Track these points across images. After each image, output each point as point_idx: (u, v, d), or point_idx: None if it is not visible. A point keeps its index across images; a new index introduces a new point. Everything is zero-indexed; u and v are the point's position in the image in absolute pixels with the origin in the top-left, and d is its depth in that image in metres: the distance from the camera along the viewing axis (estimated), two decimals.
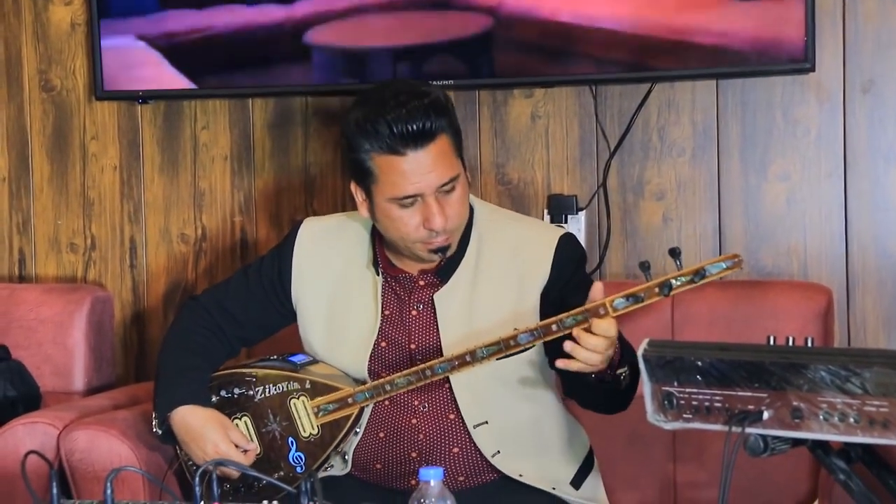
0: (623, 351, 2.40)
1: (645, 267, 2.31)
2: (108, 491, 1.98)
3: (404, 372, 2.48)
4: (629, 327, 2.83)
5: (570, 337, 2.32)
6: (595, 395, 2.49)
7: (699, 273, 2.29)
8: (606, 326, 2.29)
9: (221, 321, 2.67)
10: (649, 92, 3.14)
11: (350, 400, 2.53)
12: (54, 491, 1.98)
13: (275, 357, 2.66)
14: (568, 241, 2.57)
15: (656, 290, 2.30)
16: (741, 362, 1.91)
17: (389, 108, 2.42)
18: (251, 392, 2.60)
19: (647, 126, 3.20)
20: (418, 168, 2.42)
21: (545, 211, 3.24)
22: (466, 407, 2.52)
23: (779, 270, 3.15)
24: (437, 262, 2.53)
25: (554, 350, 2.41)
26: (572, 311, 2.34)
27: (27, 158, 3.56)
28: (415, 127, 2.40)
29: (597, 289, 2.33)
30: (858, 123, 3.10)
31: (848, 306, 3.11)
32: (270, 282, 2.66)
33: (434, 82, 3.14)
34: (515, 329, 2.40)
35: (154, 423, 2.61)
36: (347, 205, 3.27)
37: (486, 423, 2.53)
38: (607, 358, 2.33)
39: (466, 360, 2.43)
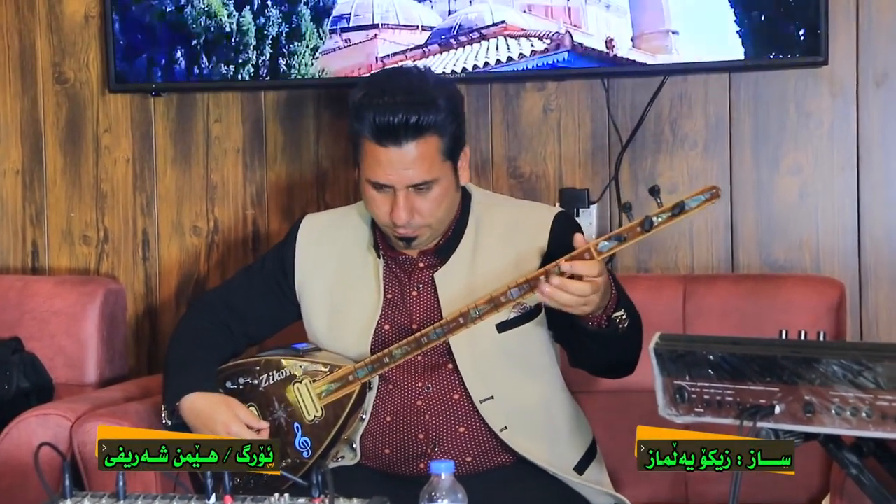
0: (620, 297, 2.42)
1: (627, 208, 2.37)
2: (121, 483, 1.98)
3: (401, 342, 2.51)
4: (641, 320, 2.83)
5: None
6: (598, 350, 2.48)
7: (678, 207, 2.32)
8: (588, 267, 2.31)
9: (227, 318, 2.71)
10: (662, 85, 3.14)
11: (351, 377, 2.56)
12: (67, 483, 1.98)
13: (279, 347, 2.69)
14: (564, 217, 2.60)
15: (638, 228, 2.33)
16: (753, 356, 1.91)
17: (379, 99, 2.44)
18: (256, 381, 2.63)
19: (659, 119, 3.19)
20: (395, 163, 2.45)
21: (557, 204, 3.23)
22: (472, 383, 2.53)
23: (791, 264, 3.14)
24: (435, 244, 2.56)
25: (555, 320, 2.46)
26: (559, 260, 2.36)
27: (41, 151, 3.56)
28: (396, 122, 2.42)
29: (579, 238, 2.36)
30: (871, 117, 3.09)
31: (860, 300, 3.10)
32: (274, 276, 2.70)
33: (445, 73, 3.15)
34: (506, 285, 2.43)
35: (164, 413, 2.63)
36: (359, 198, 3.27)
37: (492, 398, 2.54)
38: (594, 303, 2.34)
39: (460, 321, 2.47)
